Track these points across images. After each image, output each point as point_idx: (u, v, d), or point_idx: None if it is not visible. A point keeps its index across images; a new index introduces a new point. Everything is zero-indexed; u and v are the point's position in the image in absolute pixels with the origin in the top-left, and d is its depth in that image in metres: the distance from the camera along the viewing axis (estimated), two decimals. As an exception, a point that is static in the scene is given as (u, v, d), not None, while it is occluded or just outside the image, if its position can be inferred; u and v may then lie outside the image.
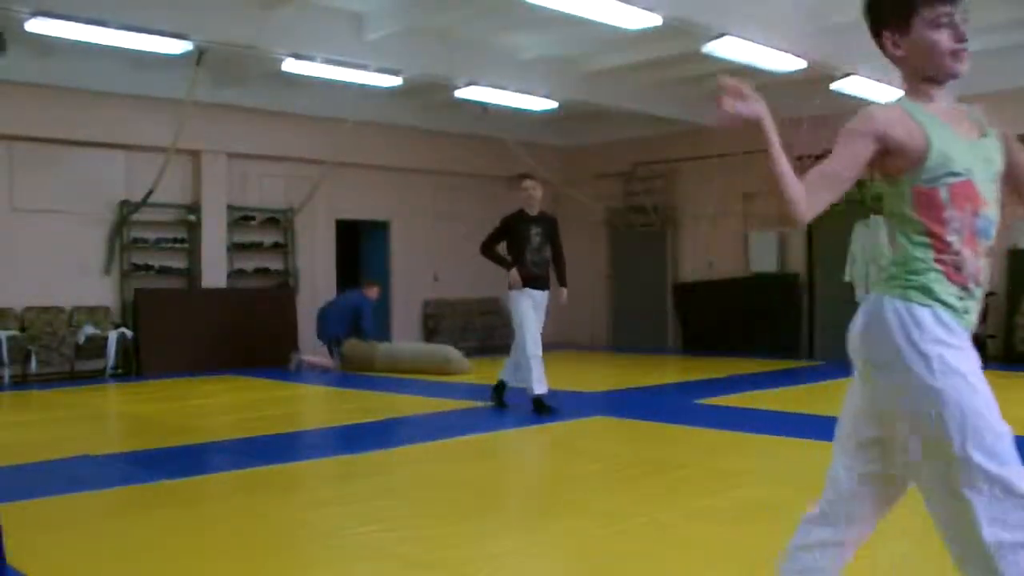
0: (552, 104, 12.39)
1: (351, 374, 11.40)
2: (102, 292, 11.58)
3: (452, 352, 11.20)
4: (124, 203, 11.60)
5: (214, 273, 12.28)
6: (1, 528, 3.11)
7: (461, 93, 11.62)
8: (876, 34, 2.27)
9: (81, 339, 10.88)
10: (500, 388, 8.15)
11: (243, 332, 12.13)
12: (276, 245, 13.12)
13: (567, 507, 4.65)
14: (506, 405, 8.03)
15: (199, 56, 9.77)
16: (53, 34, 8.61)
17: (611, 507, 4.50)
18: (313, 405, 9.47)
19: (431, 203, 14.87)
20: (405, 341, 13.70)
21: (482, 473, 5.46)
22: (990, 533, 1.92)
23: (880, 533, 2.41)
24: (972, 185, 2.15)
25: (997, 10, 9.83)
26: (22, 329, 10.77)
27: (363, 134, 12.92)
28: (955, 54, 2.16)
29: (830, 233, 13.04)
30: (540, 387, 7.58)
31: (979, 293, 2.17)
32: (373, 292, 12.42)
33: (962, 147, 2.15)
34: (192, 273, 12.26)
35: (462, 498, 4.80)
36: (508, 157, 14.02)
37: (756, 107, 2.12)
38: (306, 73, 10.36)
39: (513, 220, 8.05)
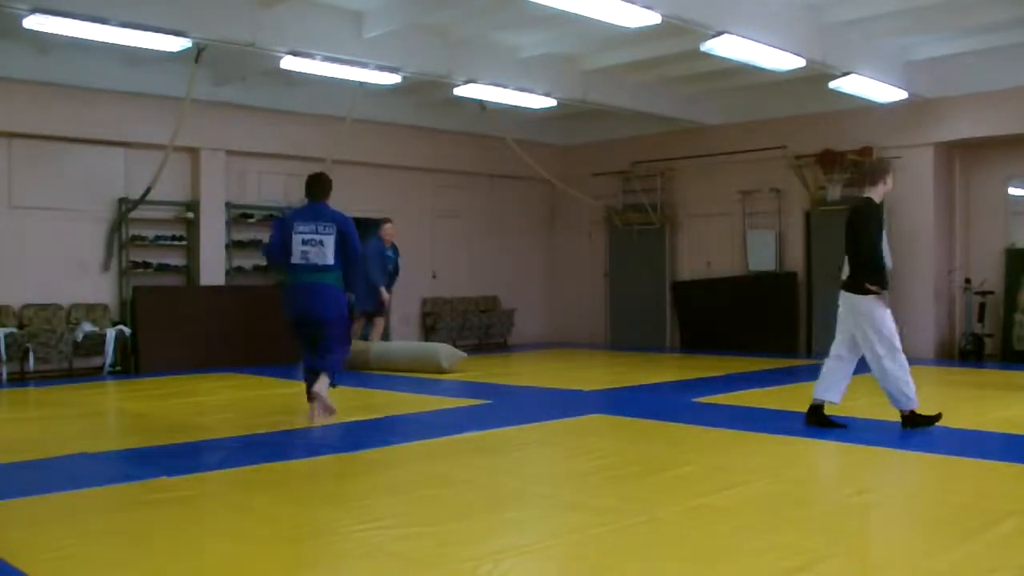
0: (551, 102, 12.39)
1: (348, 372, 11.38)
2: (100, 289, 11.57)
3: (444, 352, 11.17)
4: (123, 200, 11.60)
5: (213, 270, 12.28)
6: None
7: (460, 91, 11.62)
8: None
9: (79, 336, 10.87)
10: (820, 409, 6.82)
11: (241, 329, 12.13)
12: (275, 243, 13.11)
13: (566, 505, 4.66)
14: (843, 425, 6.72)
15: (198, 53, 9.78)
16: (52, 31, 8.60)
17: (610, 505, 4.51)
18: (311, 403, 9.46)
19: (429, 201, 14.87)
20: (401, 339, 13.70)
21: (480, 471, 5.46)
22: None
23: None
24: None
25: (997, 9, 9.85)
26: (20, 326, 10.76)
27: (362, 132, 12.92)
28: None
29: (828, 232, 13.05)
30: (915, 401, 6.63)
31: None
32: (386, 232, 11.65)
33: None
34: (191, 270, 12.26)
35: (460, 496, 4.81)
36: (507, 155, 14.02)
37: None
38: (305, 71, 10.35)
39: (882, 212, 6.99)
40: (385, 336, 13.63)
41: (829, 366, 6.79)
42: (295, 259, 7.26)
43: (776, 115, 13.46)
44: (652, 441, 6.50)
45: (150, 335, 11.51)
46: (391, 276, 11.90)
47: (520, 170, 14.67)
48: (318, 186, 7.48)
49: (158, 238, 12.00)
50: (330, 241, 7.22)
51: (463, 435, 6.61)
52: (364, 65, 10.25)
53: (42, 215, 11.08)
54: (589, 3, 8.11)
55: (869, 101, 11.97)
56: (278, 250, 7.39)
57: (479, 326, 15.05)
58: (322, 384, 7.22)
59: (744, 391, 9.01)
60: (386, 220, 11.94)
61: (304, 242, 7.22)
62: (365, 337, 11.78)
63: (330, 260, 7.21)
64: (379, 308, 11.72)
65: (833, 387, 6.75)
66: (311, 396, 7.29)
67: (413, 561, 3.63)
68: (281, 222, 7.52)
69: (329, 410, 7.28)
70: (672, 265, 15.04)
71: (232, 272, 12.58)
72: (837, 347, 6.82)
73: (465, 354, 11.50)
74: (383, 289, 11.48)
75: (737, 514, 4.28)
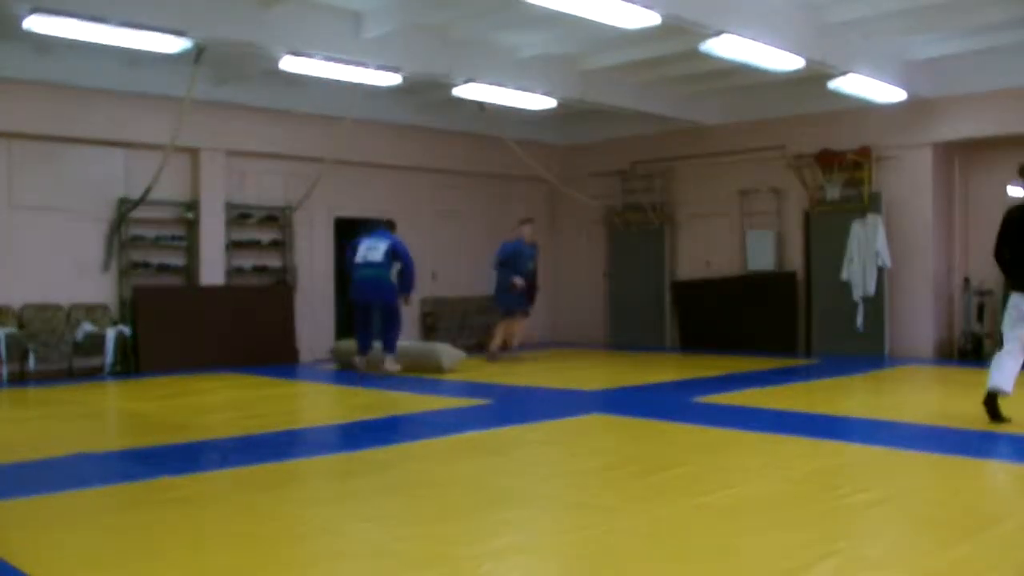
0: (550, 102, 12.38)
1: (348, 372, 11.38)
2: (100, 289, 11.57)
3: (444, 352, 11.21)
4: (123, 201, 11.60)
5: (212, 271, 12.28)
6: None
7: (459, 91, 11.61)
8: None
9: (79, 336, 10.88)
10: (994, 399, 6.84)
11: (241, 330, 12.14)
12: (274, 243, 13.12)
13: (565, 504, 4.67)
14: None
15: (198, 54, 9.78)
16: (51, 31, 8.58)
17: (609, 504, 4.52)
18: (311, 403, 9.47)
19: (429, 201, 14.87)
20: (402, 339, 13.66)
21: (480, 471, 5.47)
22: None
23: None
24: None
25: (996, 9, 9.85)
26: (20, 326, 10.76)
27: (361, 132, 12.92)
28: None
29: (827, 231, 13.06)
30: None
31: None
32: (525, 232, 12.48)
33: None
34: (190, 271, 12.27)
35: (461, 496, 4.82)
36: (506, 155, 14.01)
37: None
38: (305, 71, 10.35)
39: None
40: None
41: (1004, 360, 6.85)
42: (358, 259, 10.65)
43: (775, 115, 13.46)
44: (652, 441, 6.51)
45: (150, 335, 11.51)
46: (531, 274, 12.42)
47: (519, 170, 14.66)
48: (387, 224, 11.21)
49: (158, 238, 12.00)
50: (383, 248, 10.58)
51: (463, 435, 6.61)
52: (363, 65, 10.25)
53: (42, 215, 11.08)
54: (588, 3, 8.10)
55: (868, 101, 11.97)
56: (350, 264, 10.86)
57: (479, 326, 15.05)
58: (388, 362, 10.68)
59: (743, 391, 9.01)
60: (527, 220, 12.50)
61: (366, 248, 10.68)
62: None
63: (380, 259, 10.52)
64: (519, 305, 12.41)
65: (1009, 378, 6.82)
66: (362, 356, 10.81)
67: (414, 560, 3.63)
68: (351, 245, 10.92)
69: (394, 371, 10.59)
70: (671, 265, 15.03)
71: (232, 272, 12.58)
72: (1011, 344, 6.89)
73: (465, 354, 11.53)
74: (516, 278, 12.21)
75: (737, 514, 4.29)
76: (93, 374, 11.06)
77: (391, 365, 10.63)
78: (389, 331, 10.76)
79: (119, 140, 11.57)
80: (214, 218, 12.33)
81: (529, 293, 12.73)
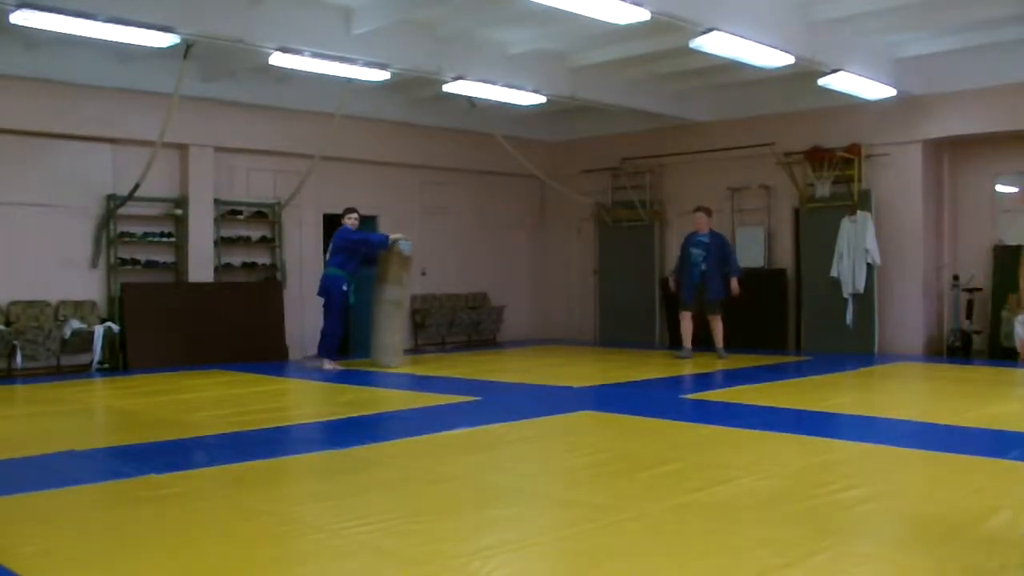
0: (540, 99, 12.37)
1: (343, 370, 11.36)
2: (88, 286, 11.52)
3: (386, 352, 11.59)
4: (111, 197, 11.55)
5: (201, 267, 12.24)
6: None
7: (449, 87, 11.60)
8: None
9: (67, 333, 10.83)
10: None
11: (230, 326, 12.10)
12: (263, 239, 13.08)
13: (556, 501, 4.66)
14: None
15: (186, 49, 9.73)
16: (39, 26, 8.54)
17: (599, 501, 4.51)
18: (301, 400, 9.44)
19: (418, 197, 14.85)
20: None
21: (469, 468, 5.46)
22: None
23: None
24: None
25: (986, 6, 9.88)
26: (7, 323, 10.71)
27: (351, 128, 12.89)
28: None
29: (817, 229, 13.09)
30: None
31: None
32: (697, 222, 12.03)
33: None
34: (179, 267, 12.22)
35: (449, 493, 4.81)
36: (496, 152, 14.00)
37: None
38: (294, 67, 10.32)
39: None
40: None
41: None
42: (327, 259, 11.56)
43: (765, 112, 13.48)
44: (641, 438, 6.51)
45: (138, 332, 11.46)
46: (695, 267, 11.93)
47: (509, 167, 14.65)
48: (343, 216, 11.62)
49: (146, 235, 11.96)
50: (331, 248, 11.38)
51: (452, 432, 6.61)
52: (353, 61, 10.22)
53: (30, 211, 11.02)
54: (579, 0, 8.10)
55: (858, 98, 11.99)
56: None
57: (468, 323, 15.05)
58: (324, 363, 11.27)
59: (732, 388, 9.02)
60: (697, 209, 12.17)
61: (326, 250, 11.58)
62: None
63: (329, 258, 11.38)
64: (679, 301, 12.18)
65: None
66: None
67: (402, 558, 3.62)
68: None
69: (324, 371, 10.98)
70: (661, 261, 15.04)
71: (221, 269, 12.54)
72: None
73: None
74: (670, 280, 12.00)
75: (725, 510, 4.29)
76: (81, 371, 11.01)
77: (327, 365, 11.17)
78: (324, 328, 11.39)
79: (107, 136, 11.52)
80: (203, 214, 12.28)
81: (707, 286, 11.96)
